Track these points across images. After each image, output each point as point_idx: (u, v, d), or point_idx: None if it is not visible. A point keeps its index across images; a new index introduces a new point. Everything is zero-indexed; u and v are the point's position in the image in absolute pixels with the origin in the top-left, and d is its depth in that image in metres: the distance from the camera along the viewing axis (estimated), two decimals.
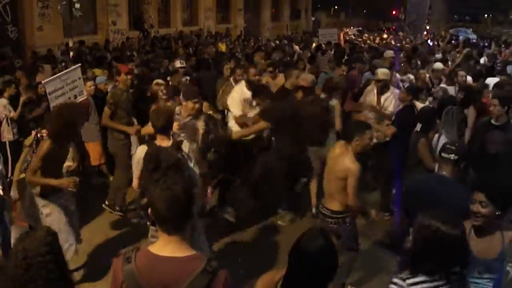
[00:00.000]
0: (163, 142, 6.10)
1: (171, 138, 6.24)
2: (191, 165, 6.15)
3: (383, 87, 9.75)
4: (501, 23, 77.93)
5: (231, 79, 11.32)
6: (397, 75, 13.11)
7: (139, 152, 6.06)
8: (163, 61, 15.62)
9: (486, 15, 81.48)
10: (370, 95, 9.90)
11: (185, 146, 6.22)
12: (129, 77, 9.18)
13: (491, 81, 12.47)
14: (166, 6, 31.89)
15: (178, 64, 12.40)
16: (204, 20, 34.45)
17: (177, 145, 6.06)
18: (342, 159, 6.17)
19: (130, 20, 28.39)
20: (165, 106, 7.60)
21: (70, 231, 6.57)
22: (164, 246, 3.15)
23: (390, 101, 9.64)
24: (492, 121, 7.77)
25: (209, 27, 34.23)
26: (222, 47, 24.32)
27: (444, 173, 5.28)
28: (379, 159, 9.08)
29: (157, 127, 6.15)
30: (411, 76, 13.27)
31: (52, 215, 6.40)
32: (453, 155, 5.24)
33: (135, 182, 6.21)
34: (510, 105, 7.82)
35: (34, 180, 6.28)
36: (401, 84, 9.93)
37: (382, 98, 9.68)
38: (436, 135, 7.81)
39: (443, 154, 5.32)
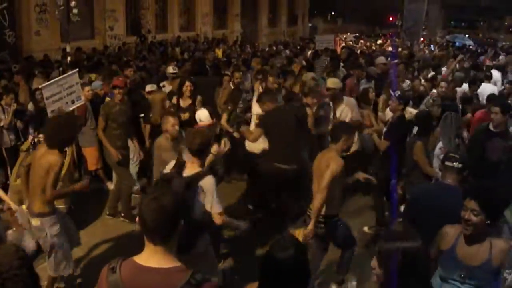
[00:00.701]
0: (193, 165, 5.62)
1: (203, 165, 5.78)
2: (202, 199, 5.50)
3: (334, 97, 9.53)
4: (497, 29, 78.19)
5: (230, 83, 11.39)
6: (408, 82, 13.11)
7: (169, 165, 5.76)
8: (161, 66, 15.66)
9: (482, 22, 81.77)
10: None
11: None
12: (120, 91, 9.07)
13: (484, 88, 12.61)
14: (163, 11, 31.94)
15: (170, 70, 12.36)
16: (201, 25, 34.51)
17: (200, 176, 5.49)
18: (325, 157, 6.37)
19: (128, 25, 28.46)
20: (202, 128, 7.47)
21: (69, 250, 6.60)
22: (149, 257, 3.15)
23: (346, 114, 9.37)
24: (491, 128, 7.81)
25: (206, 33, 34.28)
26: (219, 52, 24.34)
27: (449, 181, 5.30)
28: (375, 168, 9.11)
29: (191, 150, 5.66)
30: (408, 82, 13.26)
31: (59, 235, 6.34)
32: (457, 163, 5.27)
33: None
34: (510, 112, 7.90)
35: (57, 193, 6.32)
36: (392, 94, 9.79)
37: (338, 112, 9.43)
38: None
39: (447, 163, 5.34)
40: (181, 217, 3.23)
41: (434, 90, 11.73)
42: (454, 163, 5.28)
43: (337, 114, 9.36)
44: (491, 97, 10.08)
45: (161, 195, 3.16)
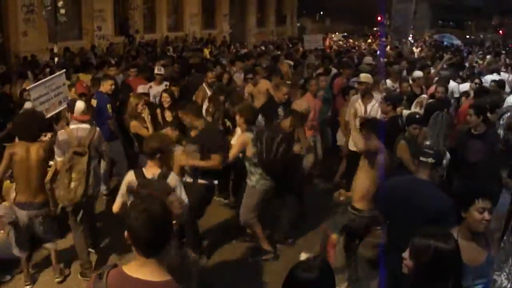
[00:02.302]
0: (152, 169, 5.79)
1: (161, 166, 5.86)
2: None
3: (365, 93, 9.72)
4: (485, 28, 78.53)
5: (204, 84, 11.41)
6: (387, 81, 13.13)
7: (128, 177, 5.84)
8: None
9: (470, 21, 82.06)
10: (355, 105, 9.70)
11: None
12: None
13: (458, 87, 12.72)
14: (152, 11, 31.87)
15: (156, 70, 12.25)
16: (189, 25, 34.48)
17: (164, 176, 5.73)
18: None
19: (116, 25, 28.37)
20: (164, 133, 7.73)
21: None
22: (139, 268, 3.09)
23: (376, 110, 9.47)
24: (472, 131, 7.95)
25: (194, 33, 34.25)
26: (206, 52, 24.33)
27: (422, 176, 5.37)
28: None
29: (146, 153, 5.86)
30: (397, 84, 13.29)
31: None
32: (430, 158, 5.34)
33: (116, 205, 5.84)
34: (485, 114, 7.98)
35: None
36: (378, 96, 9.81)
37: (368, 107, 9.57)
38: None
39: (421, 158, 5.42)
40: (171, 228, 3.22)
41: (425, 95, 11.69)
42: (428, 158, 5.35)
43: (368, 110, 9.47)
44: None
45: (150, 205, 3.11)
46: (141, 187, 5.48)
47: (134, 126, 8.92)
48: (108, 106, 9.73)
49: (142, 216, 3.05)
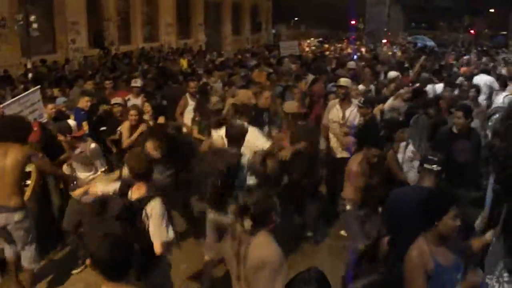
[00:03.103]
0: (139, 191, 5.29)
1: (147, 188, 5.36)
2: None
3: (345, 97, 9.62)
4: (457, 29, 79.48)
5: (187, 94, 11.32)
6: (360, 86, 13.11)
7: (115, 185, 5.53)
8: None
9: (441, 22, 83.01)
10: (333, 110, 9.68)
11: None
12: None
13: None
14: (126, 22, 31.76)
15: (132, 83, 12.07)
16: (165, 36, 34.39)
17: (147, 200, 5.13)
18: None
19: (90, 38, 28.10)
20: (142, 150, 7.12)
21: None
22: None
23: (355, 115, 9.35)
24: (454, 130, 7.90)
25: (170, 43, 34.15)
26: (184, 62, 24.23)
27: (427, 184, 5.29)
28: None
29: (136, 173, 5.35)
30: (373, 87, 13.30)
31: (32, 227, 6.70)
32: (435, 165, 5.26)
33: None
34: (471, 115, 7.97)
35: None
36: (354, 100, 9.78)
37: (347, 112, 9.47)
38: (402, 144, 7.85)
39: (425, 165, 5.33)
40: (133, 247, 3.13)
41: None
42: (433, 166, 5.27)
43: (347, 115, 9.39)
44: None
45: (110, 228, 3.04)
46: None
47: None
48: (84, 123, 9.54)
49: (103, 241, 3.00)
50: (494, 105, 10.91)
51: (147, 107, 9.60)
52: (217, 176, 6.15)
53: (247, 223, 4.30)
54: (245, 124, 7.16)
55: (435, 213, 4.21)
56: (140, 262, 4.66)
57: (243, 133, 6.76)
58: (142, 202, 5.08)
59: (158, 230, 5.02)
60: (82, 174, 7.43)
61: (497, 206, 3.80)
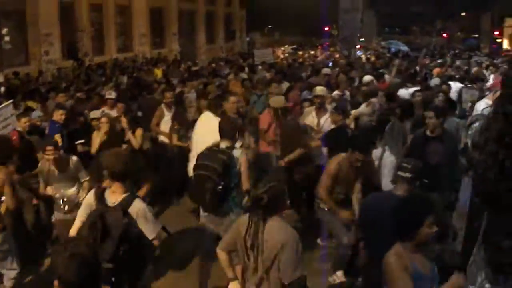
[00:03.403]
0: (115, 194, 5.23)
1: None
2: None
3: (321, 105, 9.72)
4: (430, 33, 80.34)
5: (163, 104, 11.31)
6: (335, 92, 13.17)
7: (88, 199, 5.48)
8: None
9: (414, 26, 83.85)
10: (309, 118, 9.78)
11: None
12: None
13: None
14: (100, 33, 31.53)
15: (107, 95, 12.00)
16: (138, 46, 34.29)
17: (127, 203, 5.13)
18: None
19: (64, 49, 27.85)
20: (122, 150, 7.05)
21: None
22: None
23: (329, 123, 9.41)
24: (428, 133, 7.96)
25: (144, 53, 34.06)
26: (158, 72, 24.15)
27: (399, 192, 5.35)
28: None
29: (112, 173, 5.25)
30: (347, 93, 13.35)
31: None
32: (408, 173, 5.33)
33: (74, 229, 5.44)
34: (444, 116, 8.05)
35: None
36: (328, 106, 9.85)
37: (322, 120, 9.59)
38: (376, 151, 7.90)
39: (399, 173, 5.41)
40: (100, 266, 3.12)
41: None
42: (406, 173, 5.35)
43: (321, 122, 9.48)
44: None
45: (76, 249, 3.00)
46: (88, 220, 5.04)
47: None
48: (57, 136, 9.50)
49: (70, 262, 2.96)
50: (474, 112, 10.98)
51: (123, 119, 9.55)
52: (215, 180, 6.15)
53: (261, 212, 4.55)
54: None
55: (411, 225, 4.19)
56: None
57: (236, 127, 6.95)
58: (123, 206, 5.09)
59: (149, 226, 5.13)
60: (69, 191, 7.42)
61: (476, 218, 3.82)
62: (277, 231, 4.52)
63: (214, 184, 6.14)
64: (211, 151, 6.54)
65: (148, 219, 5.17)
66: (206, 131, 7.84)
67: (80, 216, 5.39)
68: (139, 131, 9.72)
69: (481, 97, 12.79)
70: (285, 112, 8.82)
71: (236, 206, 6.48)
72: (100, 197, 5.23)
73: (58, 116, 10.10)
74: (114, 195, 5.19)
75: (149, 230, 5.15)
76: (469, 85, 14.31)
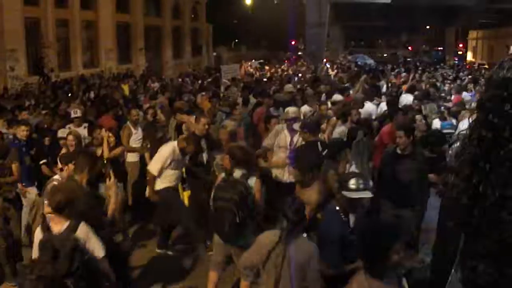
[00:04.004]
0: (59, 225, 5.25)
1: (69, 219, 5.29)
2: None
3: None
4: (395, 46, 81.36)
5: (129, 122, 11.30)
6: (305, 106, 13.20)
7: (37, 234, 5.42)
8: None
9: (380, 40, 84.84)
10: (281, 136, 9.63)
11: None
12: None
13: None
14: (66, 48, 31.35)
15: (72, 114, 11.62)
16: (105, 61, 34.17)
17: (73, 229, 5.19)
18: None
19: (29, 65, 27.66)
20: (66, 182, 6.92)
21: None
22: None
23: (301, 140, 9.26)
24: (398, 151, 8.00)
25: (110, 68, 33.94)
26: (125, 88, 24.01)
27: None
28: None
29: (52, 207, 5.28)
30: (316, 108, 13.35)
31: None
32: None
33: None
34: (413, 134, 8.15)
35: None
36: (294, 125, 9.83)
37: (295, 138, 9.42)
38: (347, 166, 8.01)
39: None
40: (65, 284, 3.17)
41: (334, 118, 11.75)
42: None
43: (294, 140, 9.39)
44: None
45: (41, 270, 3.04)
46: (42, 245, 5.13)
47: None
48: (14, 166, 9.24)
49: (37, 283, 3.03)
50: (456, 131, 11.12)
51: (71, 140, 9.39)
52: (234, 211, 6.41)
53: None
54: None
55: (377, 254, 4.10)
56: None
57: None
58: (68, 232, 5.13)
59: (95, 246, 5.19)
60: None
61: (451, 242, 3.83)
62: (303, 245, 5.11)
63: (234, 215, 6.40)
64: (228, 182, 6.84)
65: (93, 240, 5.25)
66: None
67: (34, 250, 5.38)
68: (118, 150, 9.85)
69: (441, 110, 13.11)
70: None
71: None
72: (46, 229, 5.30)
73: (21, 132, 9.75)
74: (57, 226, 5.26)
75: (99, 248, 5.24)
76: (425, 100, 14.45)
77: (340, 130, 10.50)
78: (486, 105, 2.93)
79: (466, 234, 3.41)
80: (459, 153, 3.39)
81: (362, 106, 12.56)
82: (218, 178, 7.40)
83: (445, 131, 11.03)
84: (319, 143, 8.70)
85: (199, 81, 25.77)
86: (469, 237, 3.36)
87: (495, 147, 2.89)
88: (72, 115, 11.59)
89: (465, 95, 17.59)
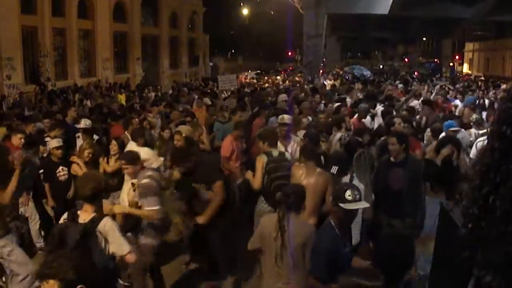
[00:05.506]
0: (87, 213, 5.38)
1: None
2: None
3: (286, 134, 9.60)
4: (391, 57, 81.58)
5: (126, 132, 11.27)
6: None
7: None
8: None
9: (376, 51, 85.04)
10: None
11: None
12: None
13: None
14: (63, 58, 31.32)
15: (82, 124, 11.42)
16: (102, 70, 34.13)
17: (96, 221, 5.30)
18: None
19: (26, 73, 27.62)
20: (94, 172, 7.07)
21: None
22: None
23: (295, 150, 9.21)
24: (391, 159, 7.94)
25: (107, 78, 33.92)
26: (122, 98, 24.03)
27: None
28: None
29: (83, 196, 5.47)
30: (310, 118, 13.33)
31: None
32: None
33: None
34: (407, 142, 8.11)
35: None
36: (295, 137, 9.80)
37: (289, 148, 9.33)
38: (345, 178, 7.95)
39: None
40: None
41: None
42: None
43: (289, 150, 9.23)
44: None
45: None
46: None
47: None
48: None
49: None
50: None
51: (114, 145, 9.50)
52: None
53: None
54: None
55: None
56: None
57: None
58: (93, 223, 5.27)
59: (119, 242, 5.32)
60: None
61: (455, 253, 3.76)
62: (302, 225, 5.52)
63: None
64: (279, 162, 7.84)
65: (117, 235, 5.33)
66: None
67: None
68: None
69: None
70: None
71: None
72: (72, 215, 5.38)
73: (17, 140, 9.62)
74: (84, 214, 5.37)
75: (120, 246, 5.32)
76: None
77: (337, 137, 10.53)
78: (501, 117, 2.91)
79: (475, 244, 3.39)
80: (474, 164, 3.37)
81: (365, 116, 12.58)
82: None
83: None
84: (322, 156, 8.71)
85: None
86: (478, 247, 3.34)
87: (506, 160, 2.87)
88: (81, 125, 11.43)
89: (456, 102, 18.03)
